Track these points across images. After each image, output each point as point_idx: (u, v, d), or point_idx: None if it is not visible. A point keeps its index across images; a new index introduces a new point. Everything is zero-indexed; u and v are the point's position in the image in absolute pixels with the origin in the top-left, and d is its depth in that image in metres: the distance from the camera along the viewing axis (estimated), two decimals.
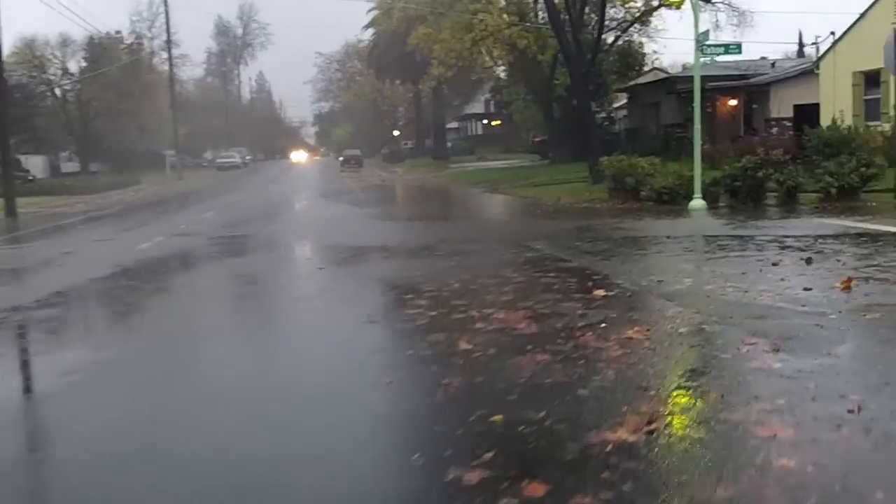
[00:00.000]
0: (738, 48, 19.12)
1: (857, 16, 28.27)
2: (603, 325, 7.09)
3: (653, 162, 21.32)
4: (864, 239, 12.85)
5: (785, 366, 5.65)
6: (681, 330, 6.84)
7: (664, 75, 42.61)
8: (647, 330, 6.85)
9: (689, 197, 19.28)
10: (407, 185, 38.11)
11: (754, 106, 36.84)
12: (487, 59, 33.43)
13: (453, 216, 21.36)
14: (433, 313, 7.98)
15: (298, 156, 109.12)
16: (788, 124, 34.13)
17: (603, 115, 43.29)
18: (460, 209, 24.82)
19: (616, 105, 50.29)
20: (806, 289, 8.49)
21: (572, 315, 7.54)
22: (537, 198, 25.50)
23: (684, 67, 43.46)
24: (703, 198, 19.19)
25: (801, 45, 42.81)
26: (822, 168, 19.18)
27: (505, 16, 33.83)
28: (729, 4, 37.08)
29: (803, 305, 7.69)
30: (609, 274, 9.99)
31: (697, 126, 19.52)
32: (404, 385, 5.91)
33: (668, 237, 14.03)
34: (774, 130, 35.30)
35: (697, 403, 5.04)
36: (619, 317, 7.40)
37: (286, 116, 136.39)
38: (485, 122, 77.58)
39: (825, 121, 29.19)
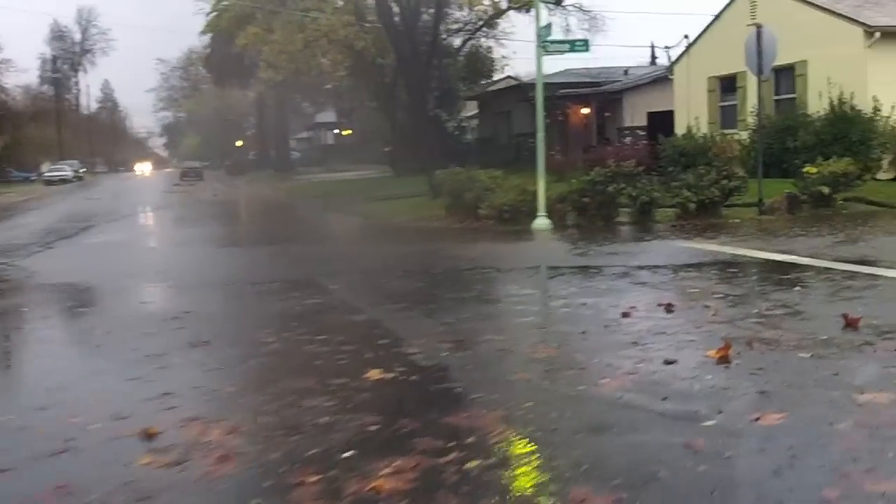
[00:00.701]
0: (584, 44, 16.81)
1: (712, 18, 26.56)
2: (347, 453, 4.27)
3: (494, 175, 18.83)
4: (735, 270, 10.51)
5: None
6: (452, 477, 4.03)
7: (515, 82, 40.57)
8: (414, 467, 4.06)
9: (534, 214, 16.81)
10: (234, 201, 34.75)
11: (606, 114, 35.03)
12: (323, 62, 30.36)
13: (257, 240, 18.28)
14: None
15: (143, 168, 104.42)
16: (642, 133, 32.36)
17: (453, 123, 40.88)
18: (272, 230, 21.73)
19: (470, 114, 48.04)
20: (668, 361, 5.91)
21: (305, 428, 4.71)
22: (369, 215, 22.73)
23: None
24: (549, 215, 16.78)
25: (653, 52, 41.36)
26: (680, 181, 17.00)
27: (345, 16, 30.92)
28: (580, 7, 35.14)
29: (664, 399, 5.07)
30: (403, 336, 7.21)
31: (540, 135, 17.13)
32: None
33: (500, 270, 11.41)
34: (628, 139, 33.54)
35: None
36: (377, 436, 4.59)
37: (132, 127, 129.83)
38: (336, 131, 74.37)
39: (680, 129, 27.48)
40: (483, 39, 37.69)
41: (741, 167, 22.39)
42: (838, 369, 5.60)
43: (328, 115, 73.36)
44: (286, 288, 10.22)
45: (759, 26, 17.25)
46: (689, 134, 26.55)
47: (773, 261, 10.98)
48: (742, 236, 14.18)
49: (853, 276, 9.42)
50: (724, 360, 5.91)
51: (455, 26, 35.88)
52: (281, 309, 8.67)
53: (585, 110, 37.86)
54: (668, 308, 7.80)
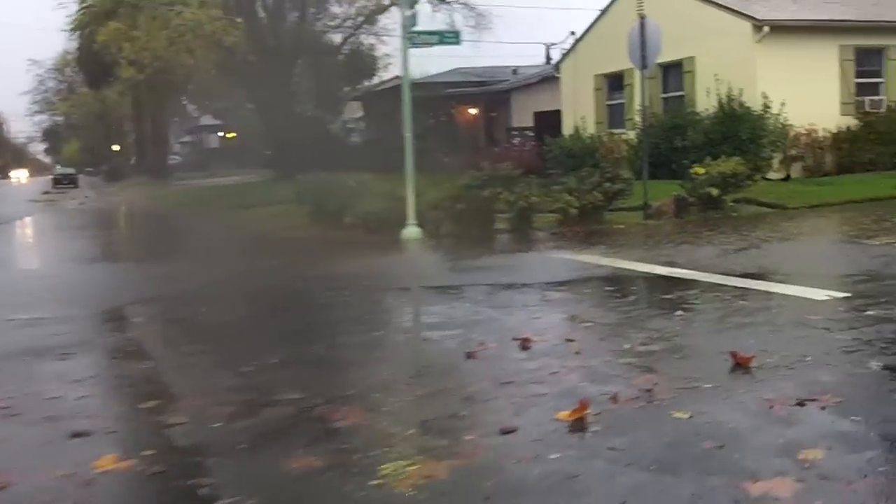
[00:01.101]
0: (454, 36, 15.35)
1: (598, 13, 25.45)
2: None
3: (362, 180, 17.21)
4: (611, 289, 9.14)
5: None
6: None
7: (401, 81, 39.02)
8: None
9: (405, 223, 15.29)
10: (99, 210, 32.39)
11: (492, 114, 33.78)
12: (190, 59, 28.29)
13: (92, 257, 16.31)
14: None
15: (19, 175, 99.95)
16: (532, 134, 31.23)
17: (337, 125, 39.14)
18: (118, 244, 19.67)
19: (359, 115, 46.29)
20: (505, 431, 4.45)
21: None
22: (231, 224, 20.92)
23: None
24: (422, 223, 15.28)
25: (548, 51, 40.32)
26: (560, 184, 15.69)
27: (212, 10, 28.88)
28: (465, 4, 33.78)
29: (486, 499, 3.59)
30: (179, 394, 5.59)
31: (408, 135, 15.58)
32: None
33: (346, 290, 9.80)
34: (517, 140, 32.37)
35: None
36: None
37: (10, 132, 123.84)
38: (220, 134, 71.51)
39: (567, 129, 26.37)
40: (364, 37, 36.05)
41: (630, 168, 21.30)
42: (724, 438, 4.21)
43: (212, 118, 70.54)
44: (73, 321, 8.43)
45: (642, 17, 16.05)
46: (576, 134, 25.44)
47: (656, 275, 9.66)
48: (625, 245, 12.92)
49: (744, 293, 8.14)
50: (578, 424, 4.48)
51: (334, 23, 34.13)
52: (36, 350, 6.89)
53: (473, 110, 36.58)
54: (525, 344, 6.35)
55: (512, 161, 23.69)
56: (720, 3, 21.20)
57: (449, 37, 15.29)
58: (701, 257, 10.94)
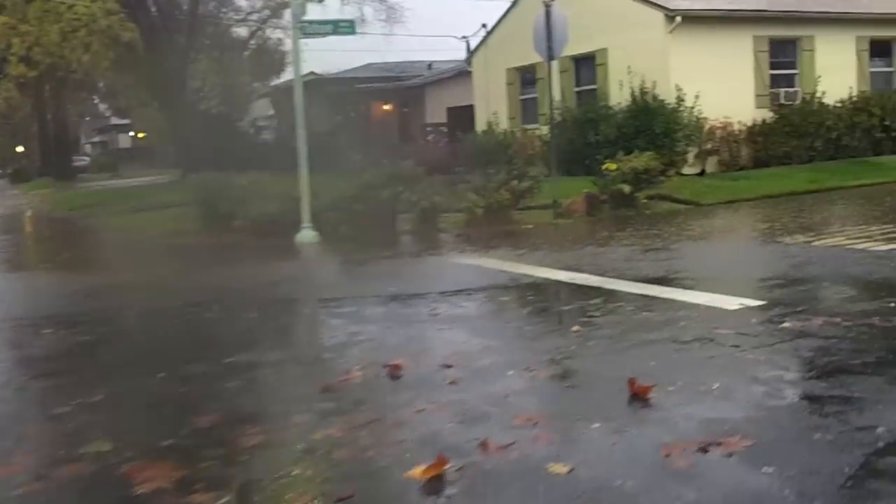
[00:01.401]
0: (349, 26, 14.35)
1: (510, 4, 24.68)
2: None
3: (257, 180, 16.15)
4: (506, 299, 8.29)
5: None
6: None
7: (313, 77, 37.88)
8: None
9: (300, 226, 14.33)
10: None
11: (405, 109, 32.89)
12: (85, 56, 26.78)
13: None
14: None
15: None
16: (446, 130, 30.39)
17: (246, 123, 37.75)
18: None
19: (271, 113, 44.91)
20: (340, 499, 3.54)
21: None
22: (123, 228, 19.68)
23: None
24: (319, 226, 14.34)
25: (468, 45, 39.43)
26: (466, 182, 14.85)
27: (108, 3, 27.38)
28: None
29: None
30: None
31: (301, 132, 14.60)
32: None
33: (213, 306, 8.78)
34: (431, 137, 31.52)
35: None
36: None
37: None
38: (131, 133, 69.26)
39: (480, 124, 25.56)
40: (271, 31, 34.79)
41: (544, 165, 20.59)
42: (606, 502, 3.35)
43: (124, 117, 68.28)
44: None
45: (547, 5, 15.26)
46: (489, 130, 24.65)
47: (557, 282, 8.83)
48: (530, 247, 12.12)
49: (649, 303, 7.35)
50: (432, 486, 3.59)
51: (240, 16, 32.84)
52: None
53: (387, 106, 35.62)
54: (394, 372, 5.45)
55: (418, 158, 22.97)
56: None
57: (343, 26, 14.31)
58: (607, 260, 10.17)
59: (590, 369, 5.45)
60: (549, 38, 14.88)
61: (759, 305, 6.95)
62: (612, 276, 8.77)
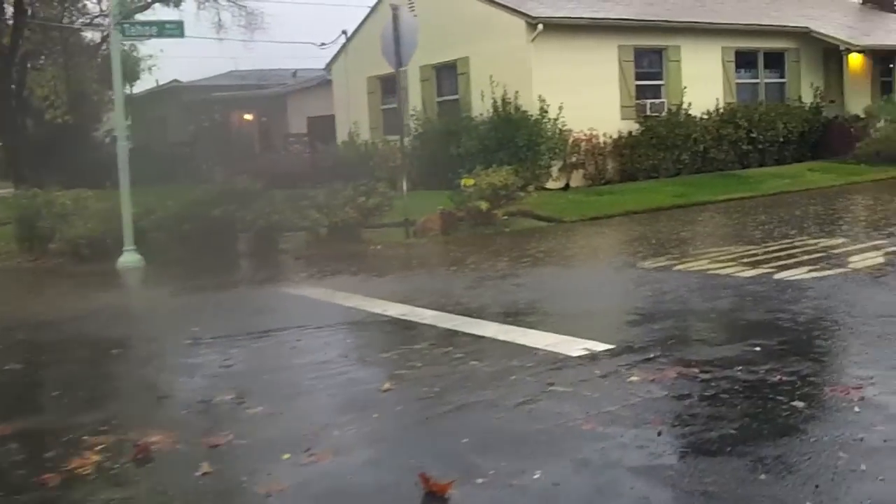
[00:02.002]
0: (177, 27, 12.88)
1: (369, 10, 23.52)
2: None
3: (81, 196, 14.58)
4: (325, 339, 7.03)
5: None
6: None
7: (170, 86, 36.09)
8: None
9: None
10: None
11: (263, 119, 31.43)
12: None
13: None
14: None
15: None
16: (307, 140, 29.04)
17: (100, 133, 35.54)
18: None
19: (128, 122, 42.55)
20: None
21: None
22: None
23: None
24: (146, 248, 12.89)
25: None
26: (309, 199, 13.60)
27: None
28: (235, 2, 31.20)
29: None
30: None
31: (122, 144, 13.17)
32: None
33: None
34: (296, 148, 30.08)
35: None
36: None
37: None
38: None
39: (342, 135, 24.32)
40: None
41: (406, 178, 19.46)
42: None
43: None
44: None
45: (394, 8, 14.16)
46: (349, 141, 23.44)
47: (386, 320, 7.66)
48: (371, 272, 10.96)
49: (483, 348, 6.28)
50: None
51: (85, 19, 30.78)
52: None
53: (248, 116, 34.03)
54: (141, 456, 4.19)
55: (273, 170, 21.55)
56: None
57: (170, 28, 12.86)
58: (450, 289, 9.08)
59: (386, 454, 4.27)
60: (396, 45, 13.74)
61: (607, 350, 5.92)
62: (451, 311, 7.67)
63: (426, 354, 6.31)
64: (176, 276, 11.58)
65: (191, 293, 10.21)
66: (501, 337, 6.56)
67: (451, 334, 6.84)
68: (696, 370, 5.31)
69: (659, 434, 4.22)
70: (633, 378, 5.20)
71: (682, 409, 4.59)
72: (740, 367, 5.29)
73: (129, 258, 12.70)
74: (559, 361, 5.72)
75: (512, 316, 7.50)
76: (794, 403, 4.58)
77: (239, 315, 8.59)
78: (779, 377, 5.05)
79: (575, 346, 6.05)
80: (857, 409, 4.45)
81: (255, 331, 7.44)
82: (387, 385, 5.35)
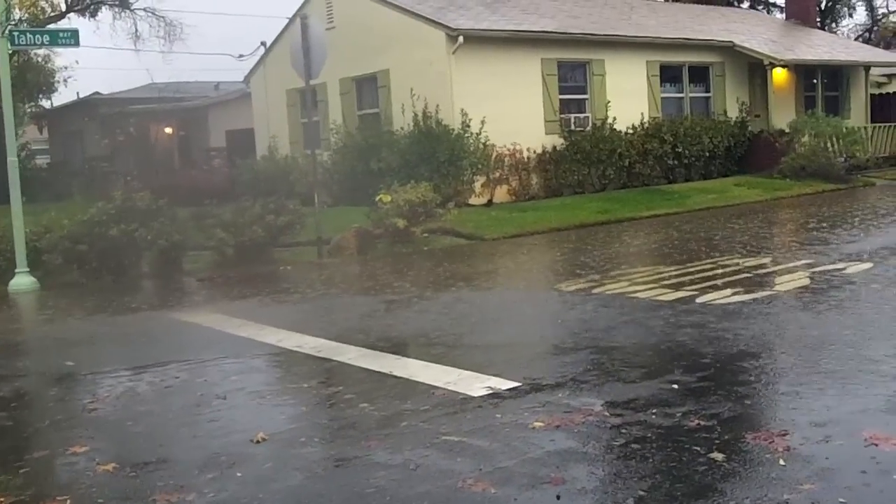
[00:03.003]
0: (71, 36, 12.02)
1: (287, 21, 22.81)
2: None
3: None
4: (203, 381, 6.35)
5: None
6: None
7: (86, 98, 34.90)
8: None
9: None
10: None
11: (182, 133, 30.50)
12: None
13: None
14: None
15: None
16: (226, 154, 28.17)
17: (16, 147, 34.18)
18: None
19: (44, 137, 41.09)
20: None
21: None
22: None
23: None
24: (40, 270, 12.08)
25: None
26: (215, 218, 12.88)
27: None
28: (152, 12, 30.24)
29: None
30: None
31: (13, 159, 12.29)
32: None
33: None
34: (216, 162, 29.18)
35: None
36: None
37: None
38: None
39: (261, 149, 23.55)
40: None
41: (323, 193, 18.81)
42: None
43: None
44: None
45: (303, 17, 13.54)
46: (269, 155, 22.67)
47: (276, 351, 7.02)
48: (276, 294, 10.31)
49: (376, 386, 5.69)
50: None
51: None
52: None
53: (168, 129, 32.99)
54: None
55: (187, 185, 20.73)
56: (412, 10, 19.06)
57: (64, 37, 12.05)
58: (352, 316, 8.49)
59: None
60: (306, 56, 13.11)
61: (512, 389, 5.36)
62: (349, 341, 7.07)
63: (312, 395, 5.71)
64: (66, 301, 10.79)
65: (77, 320, 9.45)
66: (399, 372, 5.97)
67: (345, 370, 6.25)
68: (607, 413, 4.78)
69: (558, 498, 3.66)
70: (537, 423, 4.65)
71: (587, 465, 4.05)
72: (655, 410, 4.77)
73: (21, 281, 11.88)
74: (457, 403, 5.15)
75: (415, 347, 6.94)
76: (713, 455, 4.07)
77: (121, 346, 7.87)
78: (696, 422, 4.54)
79: (477, 384, 5.50)
80: (781, 461, 3.95)
81: (134, 365, 6.76)
82: (260, 435, 4.72)
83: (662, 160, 21.18)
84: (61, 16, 31.49)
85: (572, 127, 19.80)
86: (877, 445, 4.05)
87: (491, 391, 5.34)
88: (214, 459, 4.41)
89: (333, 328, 7.74)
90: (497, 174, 18.84)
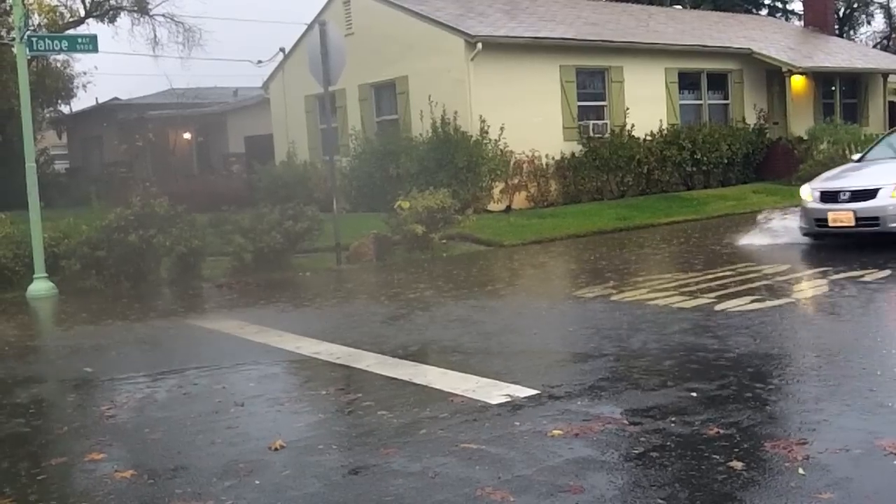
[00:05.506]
0: (90, 42, 12.10)
1: (305, 28, 22.88)
2: None
3: None
4: (241, 380, 6.36)
5: None
6: None
7: (105, 104, 35.11)
8: None
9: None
10: None
11: (200, 139, 30.63)
12: None
13: None
14: None
15: None
16: (245, 160, 28.28)
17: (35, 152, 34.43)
18: None
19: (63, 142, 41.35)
20: None
21: None
22: None
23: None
24: (58, 275, 12.16)
25: None
26: (233, 224, 12.93)
27: None
28: (171, 18, 30.41)
29: None
30: None
31: (31, 165, 12.36)
32: None
33: None
34: (235, 168, 29.31)
35: None
36: None
37: None
38: None
39: (280, 154, 23.63)
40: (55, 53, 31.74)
41: (345, 199, 18.88)
42: None
43: None
44: None
45: (321, 24, 13.58)
46: (288, 161, 22.75)
47: (295, 358, 7.04)
48: (293, 302, 10.33)
49: (395, 393, 5.69)
50: None
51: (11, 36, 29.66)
52: None
53: (187, 135, 33.18)
54: None
55: (207, 191, 20.81)
56: (431, 17, 19.10)
57: (83, 43, 12.13)
58: (370, 323, 8.49)
59: None
60: (324, 62, 13.14)
61: (529, 397, 5.35)
62: (368, 348, 7.07)
63: (331, 402, 5.71)
64: (84, 307, 10.82)
65: (95, 326, 9.47)
66: (418, 380, 5.97)
67: (363, 377, 6.25)
68: (626, 421, 4.76)
69: None
70: (556, 432, 4.63)
71: (605, 473, 4.03)
72: (674, 418, 4.75)
73: (39, 287, 11.93)
74: (476, 411, 5.13)
75: (433, 354, 6.94)
76: (732, 464, 4.04)
77: (139, 352, 7.90)
78: (715, 430, 4.51)
79: (496, 392, 5.49)
80: (801, 470, 3.91)
81: (153, 371, 6.79)
82: (278, 443, 4.72)
83: (681, 167, 21.13)
84: (80, 21, 31.65)
85: (591, 134, 19.78)
86: None
87: (509, 399, 5.33)
88: (232, 467, 4.41)
89: (351, 335, 7.74)
90: (516, 180, 18.84)
